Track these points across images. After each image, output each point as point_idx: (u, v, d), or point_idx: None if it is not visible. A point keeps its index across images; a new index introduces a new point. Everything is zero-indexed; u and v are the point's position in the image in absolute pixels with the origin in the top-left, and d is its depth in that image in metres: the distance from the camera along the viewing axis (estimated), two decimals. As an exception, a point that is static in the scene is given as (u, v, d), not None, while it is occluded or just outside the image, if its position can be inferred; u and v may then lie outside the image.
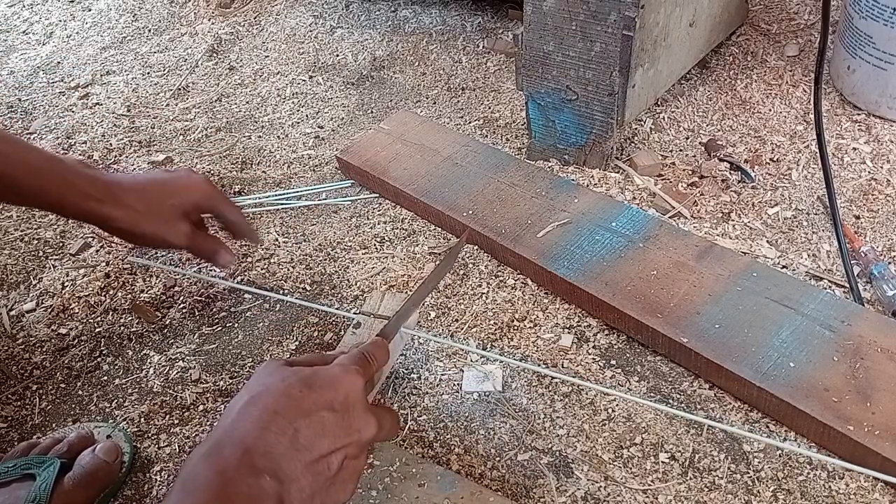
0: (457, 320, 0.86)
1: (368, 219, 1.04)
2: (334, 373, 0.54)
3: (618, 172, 1.05)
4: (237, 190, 1.13)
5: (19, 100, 1.42)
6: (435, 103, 1.28)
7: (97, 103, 1.39)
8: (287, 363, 0.55)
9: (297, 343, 0.86)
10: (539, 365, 0.79)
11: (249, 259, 0.99)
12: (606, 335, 0.83)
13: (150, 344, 0.89)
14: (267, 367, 0.54)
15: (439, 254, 0.96)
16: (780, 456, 0.70)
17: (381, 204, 1.06)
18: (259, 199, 1.10)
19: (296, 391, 0.51)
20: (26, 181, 0.71)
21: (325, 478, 0.50)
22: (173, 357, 0.87)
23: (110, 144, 1.27)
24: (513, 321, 0.85)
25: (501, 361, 0.80)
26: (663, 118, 1.15)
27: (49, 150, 0.78)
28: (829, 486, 0.67)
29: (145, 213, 0.76)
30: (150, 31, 1.62)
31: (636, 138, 1.11)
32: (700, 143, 1.09)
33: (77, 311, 0.94)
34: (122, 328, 0.91)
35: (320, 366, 0.55)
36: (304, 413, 0.50)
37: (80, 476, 0.69)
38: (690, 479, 0.69)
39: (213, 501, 0.45)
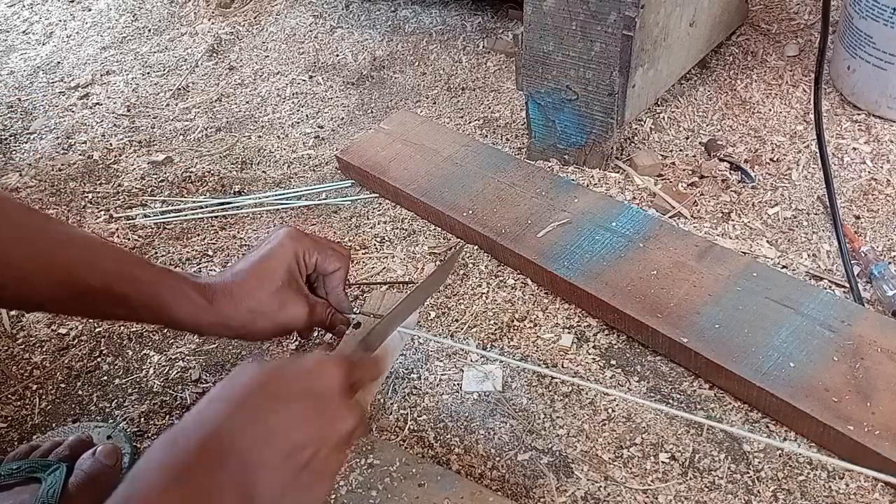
0: (457, 320, 0.86)
1: (368, 219, 1.04)
2: (311, 362, 0.51)
3: (618, 172, 1.05)
4: (237, 190, 1.13)
5: (19, 100, 1.42)
6: (435, 103, 1.28)
7: (97, 103, 1.39)
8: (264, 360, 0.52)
9: (297, 343, 0.86)
10: (539, 365, 0.79)
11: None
12: (606, 335, 0.83)
13: (150, 344, 0.89)
14: (242, 364, 0.51)
15: (439, 254, 0.96)
16: (780, 456, 0.70)
17: (381, 204, 1.06)
18: (259, 199, 1.10)
19: (267, 378, 0.48)
20: (138, 297, 0.63)
21: (298, 470, 0.46)
22: (173, 357, 0.86)
23: (110, 144, 1.27)
24: (513, 321, 0.85)
25: (501, 361, 0.80)
26: (663, 118, 1.15)
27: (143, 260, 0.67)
28: (829, 486, 0.67)
29: (259, 311, 0.67)
30: (150, 31, 1.62)
31: (636, 138, 1.11)
32: (700, 143, 1.09)
33: (77, 311, 0.94)
34: (122, 328, 0.91)
35: (299, 358, 0.52)
36: (276, 400, 0.47)
37: (83, 480, 0.69)
38: (690, 479, 0.69)
39: (167, 493, 0.42)
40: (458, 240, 0.97)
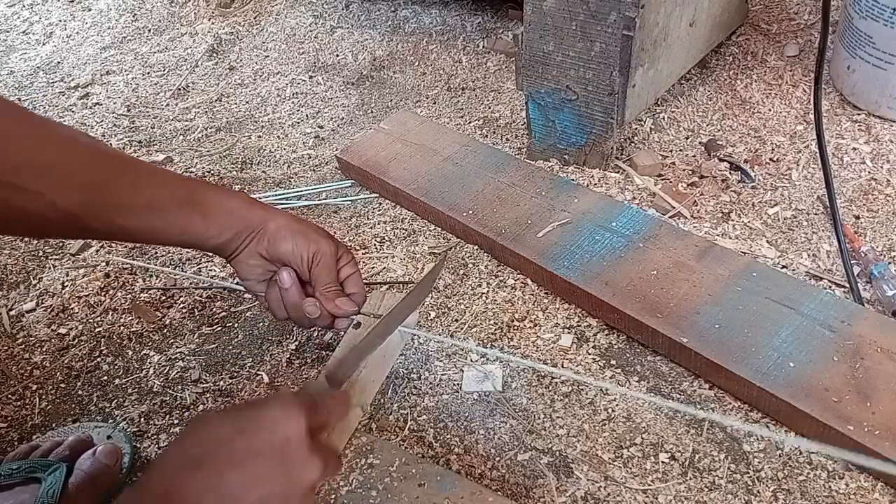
0: (457, 320, 0.86)
1: (368, 219, 1.04)
2: (272, 414, 0.49)
3: (618, 172, 1.05)
4: (237, 190, 1.13)
5: (19, 100, 1.42)
6: (435, 103, 1.28)
7: (97, 103, 1.39)
8: (225, 410, 0.50)
9: (296, 343, 0.86)
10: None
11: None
12: (606, 335, 0.83)
13: (150, 344, 0.89)
14: (201, 415, 0.50)
15: (439, 254, 0.96)
16: (780, 456, 0.70)
17: (381, 204, 1.06)
18: (259, 198, 1.10)
19: (226, 437, 0.47)
20: (168, 191, 0.62)
21: None
22: (173, 357, 0.86)
23: (110, 144, 1.27)
24: (513, 321, 0.85)
25: (502, 361, 0.80)
26: (663, 118, 1.15)
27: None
28: (829, 486, 0.67)
29: (293, 222, 0.68)
30: (150, 31, 1.62)
31: (636, 138, 1.11)
32: (700, 143, 1.09)
33: (77, 311, 0.94)
34: (122, 328, 0.91)
35: (260, 407, 0.50)
36: (235, 461, 0.46)
37: (83, 480, 0.69)
38: (690, 479, 0.69)
39: None
40: (459, 240, 0.97)
